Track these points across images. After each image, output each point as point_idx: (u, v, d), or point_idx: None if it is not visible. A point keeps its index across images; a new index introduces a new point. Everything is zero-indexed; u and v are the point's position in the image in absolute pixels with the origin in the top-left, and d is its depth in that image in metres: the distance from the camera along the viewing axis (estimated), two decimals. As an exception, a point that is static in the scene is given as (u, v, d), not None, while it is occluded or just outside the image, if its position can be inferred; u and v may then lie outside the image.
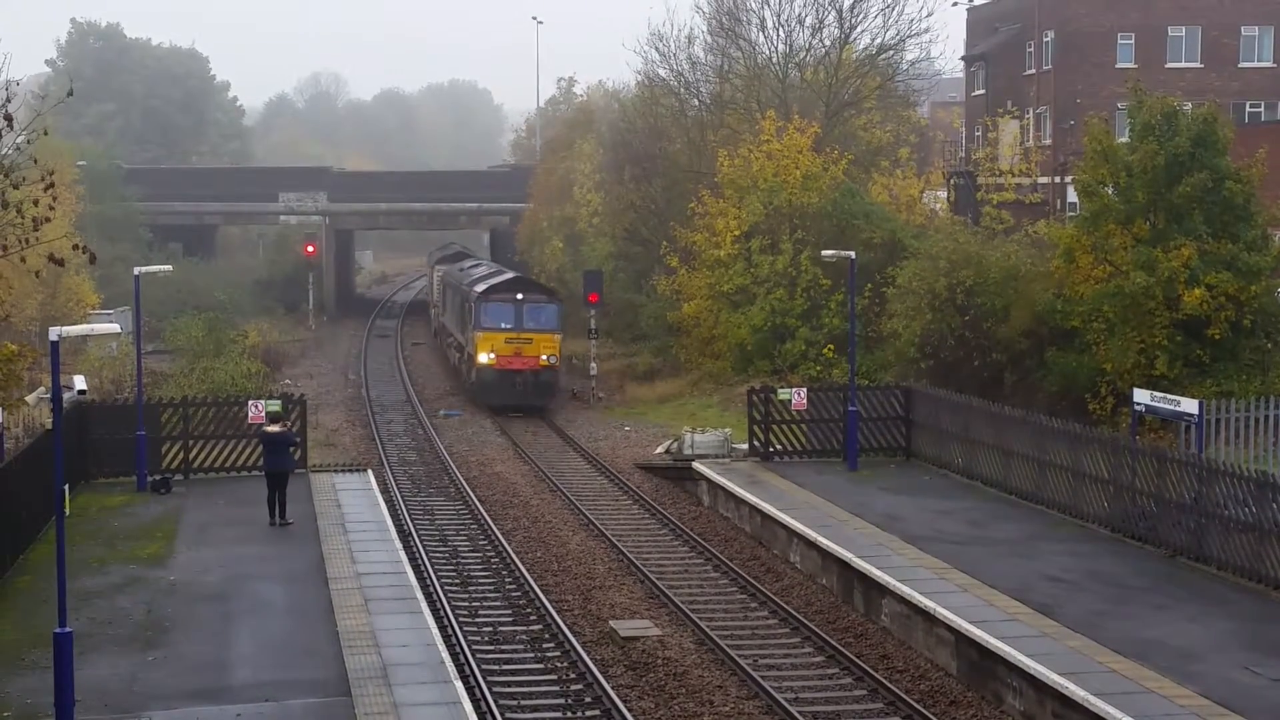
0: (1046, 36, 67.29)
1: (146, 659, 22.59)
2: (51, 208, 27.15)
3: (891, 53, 61.91)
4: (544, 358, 50.08)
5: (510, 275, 57.02)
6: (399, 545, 29.93)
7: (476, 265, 65.84)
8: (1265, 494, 25.73)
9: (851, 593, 28.19)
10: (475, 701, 21.86)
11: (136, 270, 37.05)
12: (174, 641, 23.48)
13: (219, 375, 49.08)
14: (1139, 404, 31.63)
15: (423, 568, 30.39)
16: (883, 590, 26.72)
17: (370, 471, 38.48)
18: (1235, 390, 35.33)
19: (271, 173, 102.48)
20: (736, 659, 24.60)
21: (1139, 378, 35.64)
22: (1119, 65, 64.74)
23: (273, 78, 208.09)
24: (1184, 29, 65.99)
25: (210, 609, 25.25)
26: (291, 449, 33.00)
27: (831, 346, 46.33)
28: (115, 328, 22.82)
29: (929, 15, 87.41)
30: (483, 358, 50.41)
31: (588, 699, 23.07)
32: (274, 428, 32.35)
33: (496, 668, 24.49)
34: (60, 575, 19.41)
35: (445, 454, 44.36)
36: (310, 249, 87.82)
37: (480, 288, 52.92)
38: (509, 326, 50.36)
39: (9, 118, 25.67)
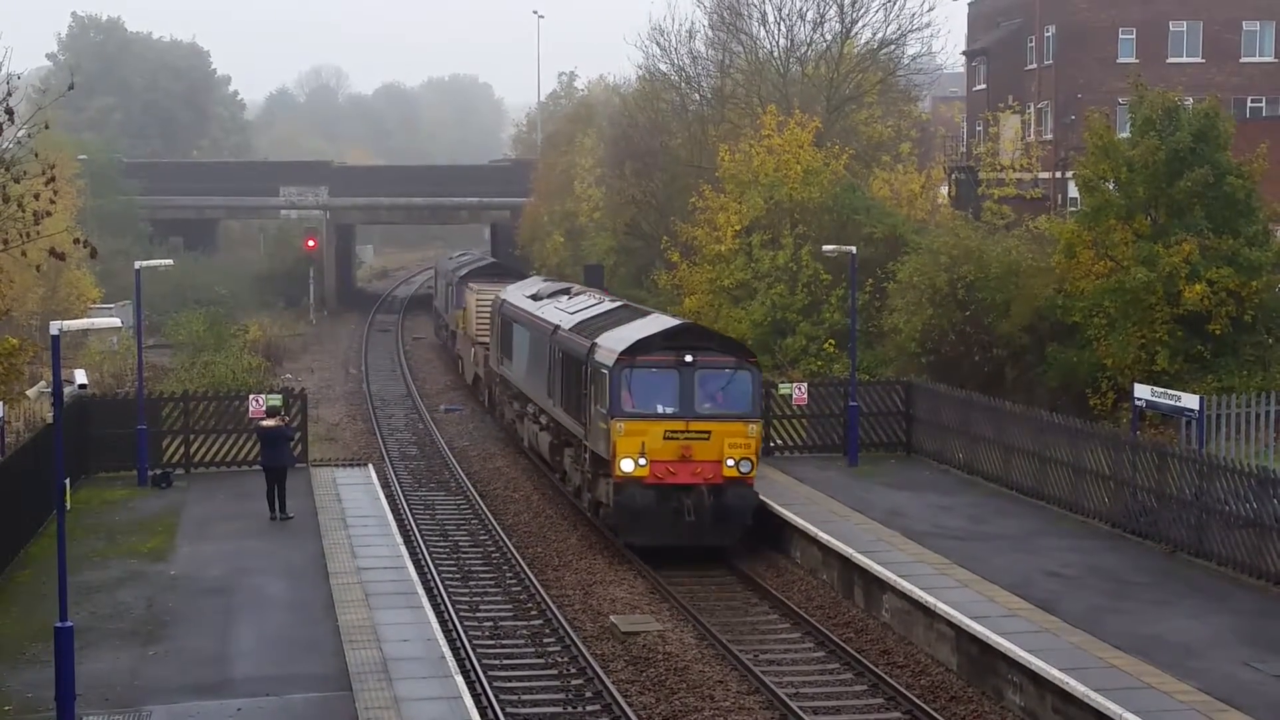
0: (1048, 31, 67.26)
1: (147, 653, 22.60)
2: (52, 202, 27.18)
3: (893, 47, 61.85)
4: (730, 462, 30.21)
5: (660, 320, 34.16)
6: (400, 540, 29.93)
7: (566, 293, 42.75)
8: (1266, 489, 25.73)
9: (852, 588, 28.20)
10: (476, 696, 21.88)
11: (137, 264, 37.05)
12: (175, 636, 23.49)
13: (220, 370, 49.08)
14: (1140, 399, 31.63)
15: (423, 562, 30.40)
16: (883, 585, 26.71)
17: (371, 466, 38.49)
18: (1236, 386, 35.33)
19: (272, 167, 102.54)
20: (737, 654, 24.61)
21: (1140, 373, 35.64)
22: (1120, 60, 64.73)
23: (274, 72, 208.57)
24: (1185, 24, 65.97)
25: (211, 603, 25.27)
26: (290, 443, 33.01)
27: (832, 341, 46.31)
28: (116, 322, 22.82)
29: (930, 10, 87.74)
30: (625, 464, 30.08)
31: (588, 694, 23.09)
32: (270, 422, 32.36)
33: (497, 662, 24.50)
34: (61, 569, 19.42)
35: (446, 449, 44.37)
36: (311, 243, 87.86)
37: (614, 342, 31.65)
38: (672, 411, 30.47)
39: (10, 111, 25.65)
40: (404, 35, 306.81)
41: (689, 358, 30.57)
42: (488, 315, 49.73)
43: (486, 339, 50.03)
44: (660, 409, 30.51)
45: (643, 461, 30.19)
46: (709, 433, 30.34)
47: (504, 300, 45.69)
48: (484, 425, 49.20)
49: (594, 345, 32.19)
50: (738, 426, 30.46)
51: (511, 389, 44.23)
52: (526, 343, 40.32)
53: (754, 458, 30.55)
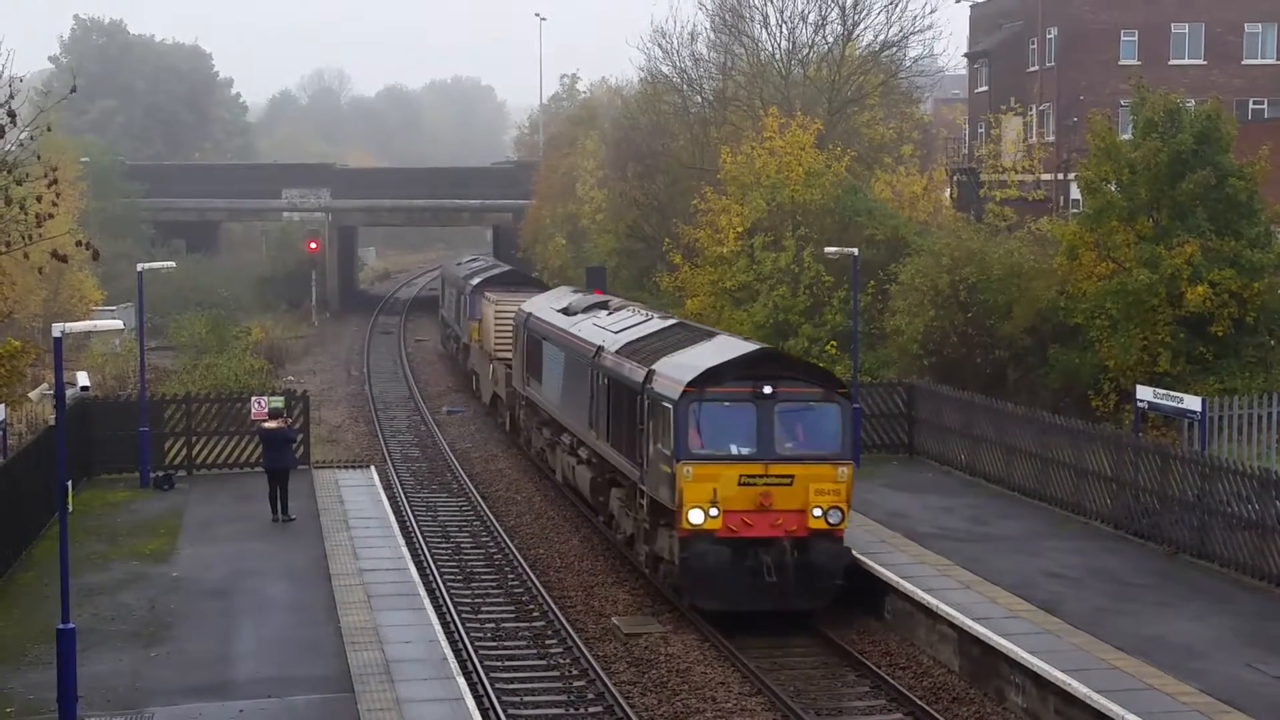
0: (1050, 33, 67.27)
1: (149, 655, 22.61)
2: (55, 204, 27.19)
3: (894, 49, 61.83)
4: (817, 512, 26.00)
5: (729, 344, 29.22)
6: (402, 541, 29.95)
7: (604, 307, 37.38)
8: (1268, 491, 25.73)
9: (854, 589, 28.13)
10: (478, 698, 21.89)
11: (140, 267, 37.09)
12: (177, 637, 23.50)
13: (222, 371, 49.10)
14: (1142, 401, 31.63)
15: (425, 564, 30.41)
16: (885, 587, 26.71)
17: (373, 468, 38.52)
18: (1238, 387, 35.31)
19: (275, 169, 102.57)
20: (739, 655, 24.60)
21: (1142, 374, 35.63)
22: (1122, 62, 64.74)
23: (276, 74, 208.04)
24: (1187, 26, 65.97)
25: (213, 605, 25.28)
26: (292, 445, 33.02)
27: (834, 343, 46.27)
28: (118, 324, 22.86)
29: (932, 12, 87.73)
30: (693, 515, 25.76)
31: (590, 695, 23.09)
32: (272, 424, 32.39)
33: (499, 664, 24.51)
34: (63, 571, 19.43)
35: (448, 450, 44.38)
36: (313, 245, 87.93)
37: (677, 369, 27.21)
38: (748, 452, 26.22)
39: (12, 114, 25.69)
40: (406, 38, 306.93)
41: (768, 389, 26.07)
42: (509, 329, 45.14)
43: (507, 355, 45.45)
44: (735, 450, 26.11)
45: (714, 512, 25.69)
46: (792, 477, 25.89)
47: (530, 314, 40.91)
48: (486, 427, 49.20)
49: (651, 373, 27.67)
50: (825, 470, 26.05)
51: (541, 414, 39.33)
52: (560, 364, 35.89)
53: (845, 506, 26.19)
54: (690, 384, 26.10)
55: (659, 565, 28.09)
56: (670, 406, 26.11)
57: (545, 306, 40.66)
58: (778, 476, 25.91)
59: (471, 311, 53.98)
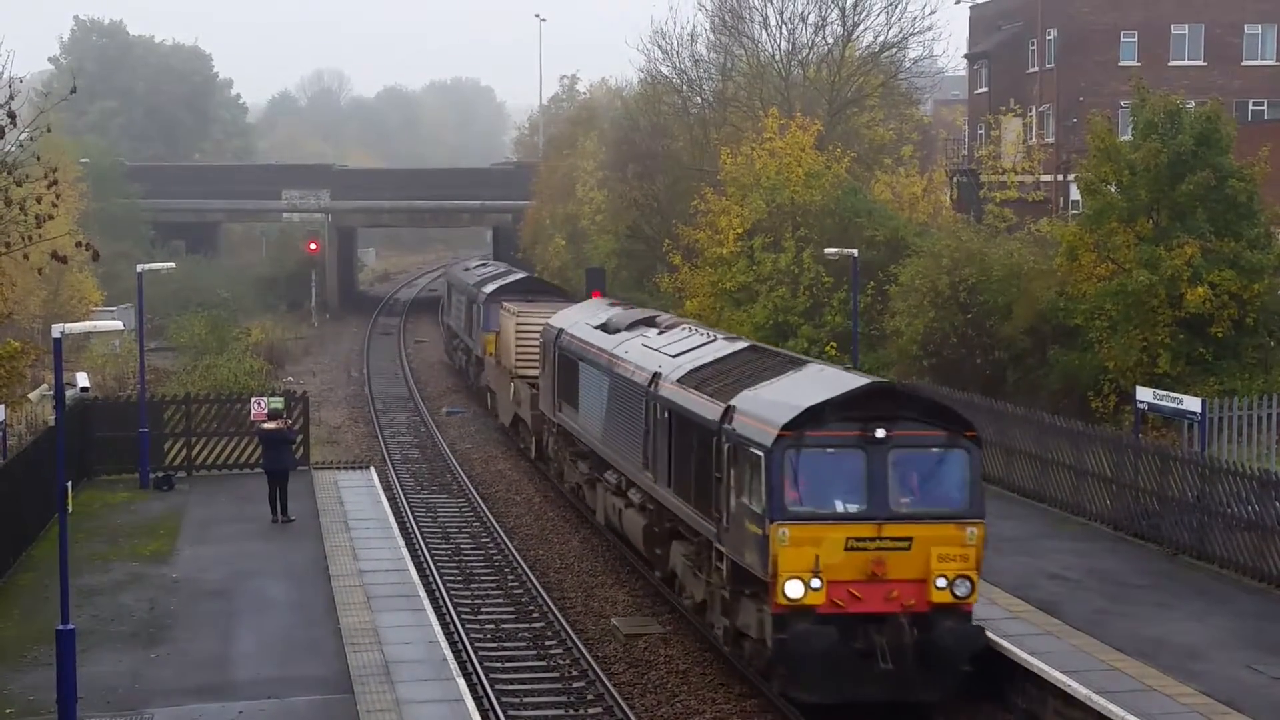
0: (1049, 34, 67.26)
1: (149, 656, 22.61)
2: (55, 205, 27.20)
3: (894, 50, 61.84)
4: (941, 582, 21.73)
5: (826, 375, 24.34)
6: (401, 542, 29.95)
7: (651, 324, 32.97)
8: (1268, 492, 25.73)
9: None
10: (478, 698, 21.89)
11: (139, 267, 37.09)
12: (177, 638, 23.50)
13: (221, 372, 49.08)
14: (1142, 402, 31.62)
15: (425, 565, 30.41)
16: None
17: (373, 469, 38.52)
18: (1238, 388, 35.30)
19: (274, 170, 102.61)
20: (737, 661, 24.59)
21: (1142, 376, 35.63)
22: (1122, 63, 64.70)
23: (276, 75, 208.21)
24: (1187, 27, 65.94)
25: (213, 606, 25.28)
26: (291, 446, 33.01)
27: (834, 344, 46.26)
28: (118, 325, 22.86)
29: (932, 13, 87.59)
30: (791, 588, 21.42)
31: (590, 696, 23.08)
32: (271, 425, 32.42)
33: (499, 665, 24.51)
34: (63, 572, 19.43)
35: (448, 451, 44.38)
36: (313, 246, 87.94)
37: (765, 407, 22.80)
38: (857, 510, 21.86)
39: (12, 115, 25.70)
40: (405, 38, 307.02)
41: (880, 432, 21.50)
42: (534, 346, 40.70)
43: (532, 373, 40.93)
44: (841, 506, 21.58)
45: (817, 584, 21.14)
46: (910, 540, 21.43)
47: (562, 331, 36.27)
48: (486, 428, 49.19)
49: (731, 411, 23.14)
50: (951, 531, 21.56)
51: (578, 445, 34.94)
52: (603, 390, 31.52)
53: (974, 575, 21.65)
54: (787, 426, 21.41)
55: (742, 642, 23.38)
56: (760, 454, 21.52)
57: (579, 322, 35.92)
58: (893, 539, 21.43)
59: (486, 323, 49.39)
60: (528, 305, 45.45)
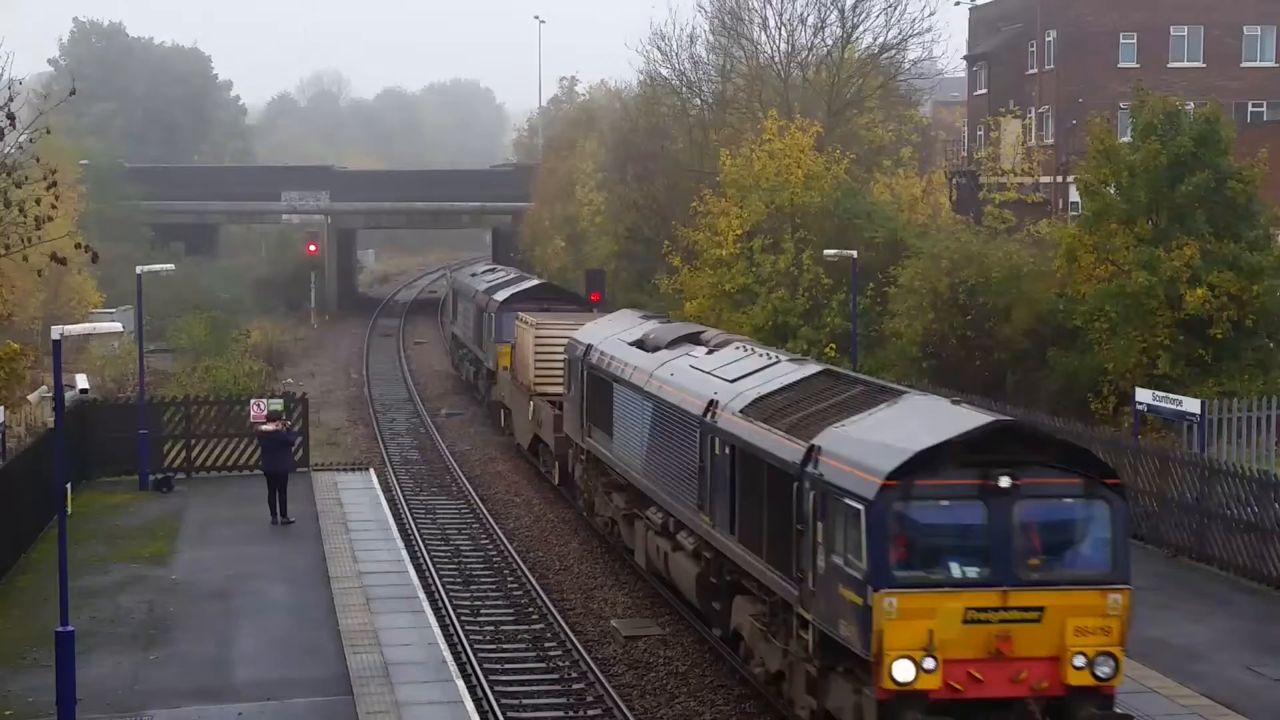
0: (1049, 36, 67.29)
1: (148, 658, 22.62)
2: (54, 206, 27.17)
3: (894, 52, 61.84)
4: (1079, 661, 17.78)
5: (930, 408, 20.45)
6: (401, 544, 29.96)
7: (697, 341, 29.21)
8: (1267, 494, 25.74)
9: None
10: (477, 700, 21.88)
11: (139, 269, 37.14)
12: (176, 640, 23.51)
13: (221, 374, 49.08)
14: (1141, 403, 31.64)
15: (425, 567, 30.39)
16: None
17: (372, 470, 38.53)
18: (1237, 390, 35.32)
19: (274, 171, 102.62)
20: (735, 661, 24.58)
21: (1141, 377, 35.63)
22: (1121, 65, 64.76)
23: (275, 76, 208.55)
24: (1186, 29, 66.00)
25: (212, 608, 25.29)
26: (290, 448, 33.00)
27: (833, 346, 46.26)
28: (117, 326, 22.90)
29: (931, 15, 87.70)
30: (900, 670, 17.52)
31: (589, 698, 23.08)
32: (269, 427, 32.44)
33: (498, 666, 24.50)
34: (62, 574, 19.43)
35: (447, 453, 44.37)
36: (312, 248, 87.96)
37: (862, 450, 18.88)
38: (977, 575, 17.95)
39: (12, 116, 25.69)
40: (405, 40, 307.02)
41: (1004, 480, 17.75)
42: (558, 362, 37.34)
43: (554, 391, 37.78)
44: (958, 571, 17.87)
45: (930, 664, 17.49)
46: (1041, 610, 17.69)
47: (591, 347, 32.51)
48: (485, 430, 49.18)
49: (815, 452, 19.39)
50: (1091, 598, 17.79)
51: (612, 476, 31.03)
52: (644, 416, 27.58)
53: (1118, 650, 17.87)
54: (893, 474, 17.68)
55: None
56: (860, 507, 17.88)
57: (611, 338, 32.00)
58: (1021, 610, 17.69)
59: (499, 333, 45.91)
60: (547, 316, 42.20)
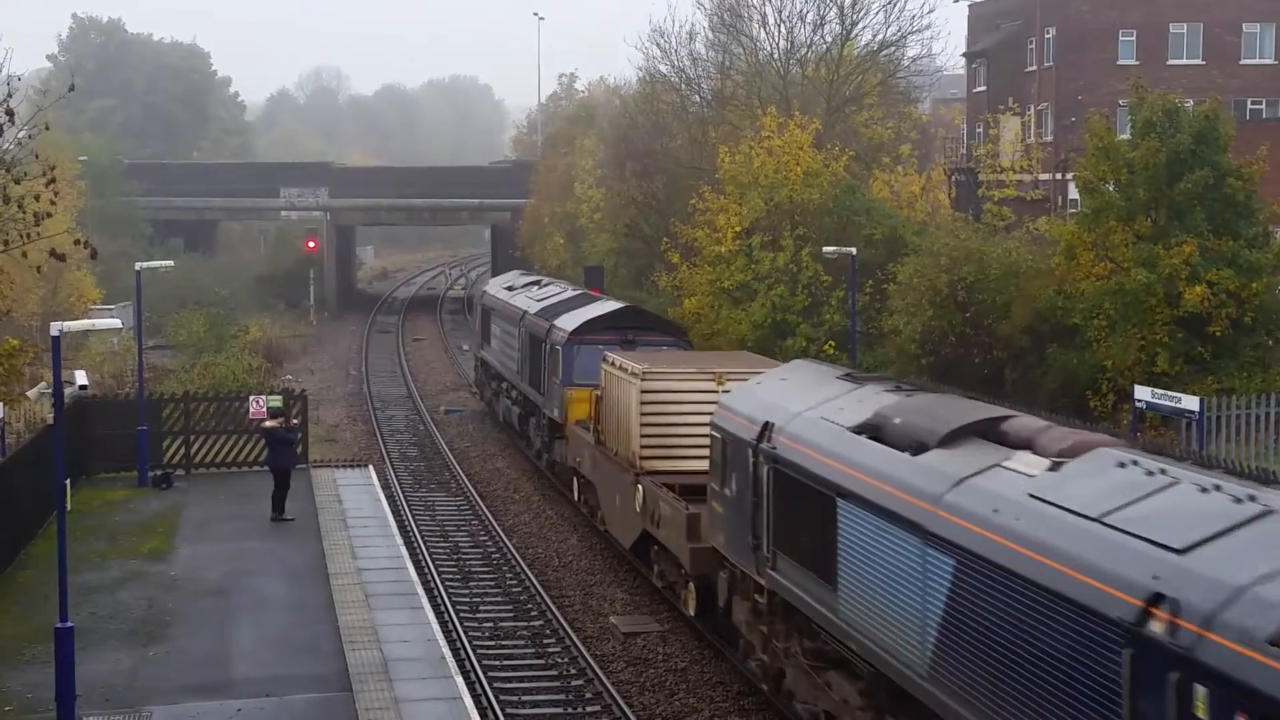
0: (1048, 33, 67.27)
1: (148, 654, 22.62)
2: (53, 203, 27.19)
3: (893, 49, 61.90)
4: None
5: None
6: (400, 541, 29.97)
7: (995, 434, 16.72)
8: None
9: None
10: (476, 697, 21.89)
11: (138, 265, 37.09)
12: (175, 636, 23.51)
13: (220, 371, 49.09)
14: (1140, 401, 31.64)
15: (424, 563, 30.41)
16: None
17: (371, 467, 38.52)
18: (1236, 387, 35.35)
19: (273, 168, 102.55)
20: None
21: (1140, 374, 35.65)
22: (1120, 62, 64.74)
23: (274, 73, 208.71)
24: (1185, 26, 65.98)
25: (211, 604, 25.29)
26: (288, 446, 32.95)
27: (832, 343, 46.26)
28: (116, 323, 22.87)
29: (930, 12, 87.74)
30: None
31: (588, 694, 23.09)
32: (270, 423, 32.57)
33: (497, 663, 24.51)
34: (61, 570, 19.43)
35: (446, 450, 44.36)
36: (311, 245, 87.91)
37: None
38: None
39: (10, 113, 25.67)
40: (404, 37, 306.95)
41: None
42: (677, 426, 28.20)
43: (672, 469, 27.88)
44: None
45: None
46: None
47: (772, 428, 20.82)
48: (484, 427, 49.17)
49: None
50: None
51: (824, 641, 19.34)
52: (928, 578, 15.73)
53: None
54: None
55: None
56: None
57: (812, 417, 20.13)
58: None
59: (568, 373, 35.75)
60: (653, 359, 30.46)
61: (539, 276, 52.06)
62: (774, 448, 20.41)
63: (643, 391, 28.36)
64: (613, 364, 30.89)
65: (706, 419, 24.47)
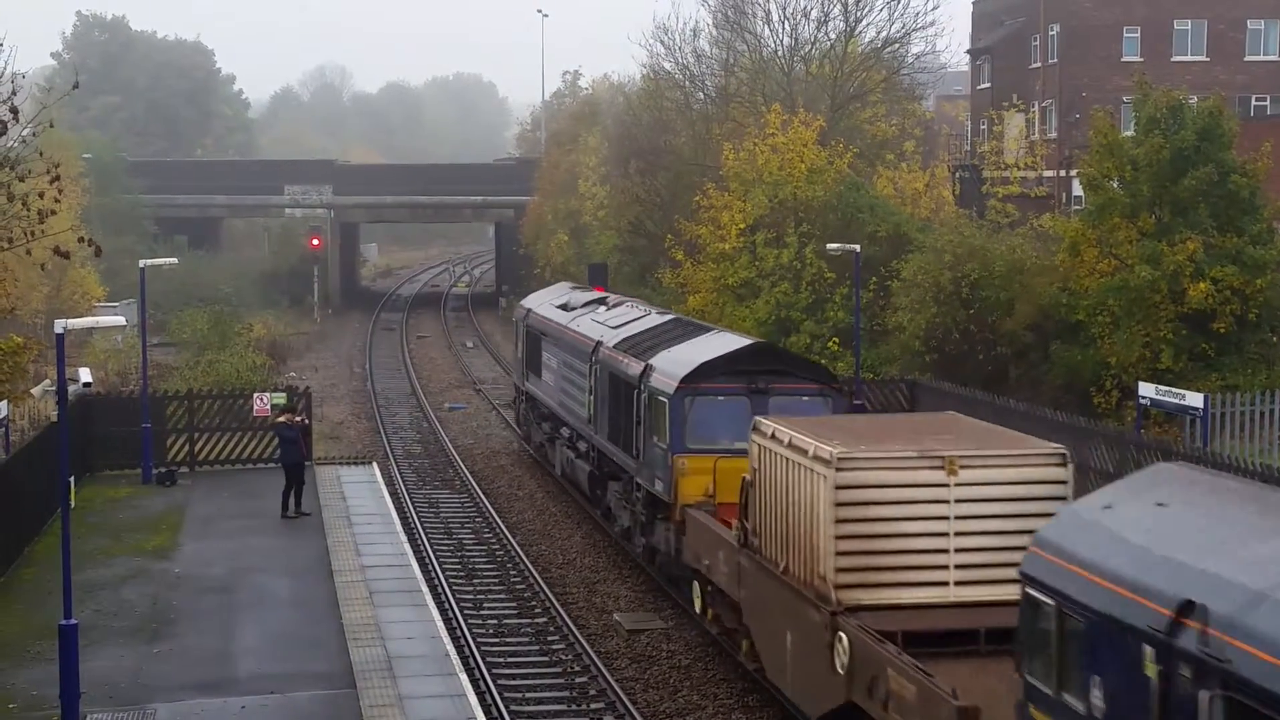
0: (1052, 30, 67.23)
1: (152, 651, 22.63)
2: (57, 200, 27.23)
3: (897, 46, 61.87)
4: None
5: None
6: (404, 538, 29.97)
7: None
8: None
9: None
10: (480, 694, 21.89)
11: (142, 263, 37.10)
12: (179, 633, 23.52)
13: (224, 368, 49.09)
14: (1144, 398, 31.62)
15: (428, 560, 30.40)
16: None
17: (375, 464, 38.51)
18: (1240, 384, 35.31)
19: (277, 165, 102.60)
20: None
21: (1144, 371, 35.61)
22: (1124, 59, 64.73)
23: (278, 70, 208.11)
24: (1189, 22, 65.94)
25: (215, 601, 25.30)
26: (290, 444, 32.90)
27: (836, 340, 46.24)
28: (120, 320, 22.86)
29: (935, 8, 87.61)
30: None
31: (592, 691, 23.09)
32: (282, 418, 32.80)
33: (501, 660, 24.51)
34: (66, 567, 19.43)
35: (450, 447, 44.36)
36: (315, 242, 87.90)
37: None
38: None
39: (14, 110, 25.72)
40: (408, 34, 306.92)
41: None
42: (900, 534, 18.70)
43: (878, 600, 18.65)
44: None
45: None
46: None
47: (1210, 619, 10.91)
48: (488, 424, 49.16)
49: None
50: None
51: None
52: None
53: None
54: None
55: None
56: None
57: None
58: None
59: (678, 435, 26.56)
60: (845, 434, 19.88)
61: (601, 293, 41.18)
62: (1122, 624, 11.88)
63: (839, 487, 18.65)
64: (774, 437, 20.68)
65: (929, 525, 18.51)
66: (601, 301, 38.31)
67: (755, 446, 21.38)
